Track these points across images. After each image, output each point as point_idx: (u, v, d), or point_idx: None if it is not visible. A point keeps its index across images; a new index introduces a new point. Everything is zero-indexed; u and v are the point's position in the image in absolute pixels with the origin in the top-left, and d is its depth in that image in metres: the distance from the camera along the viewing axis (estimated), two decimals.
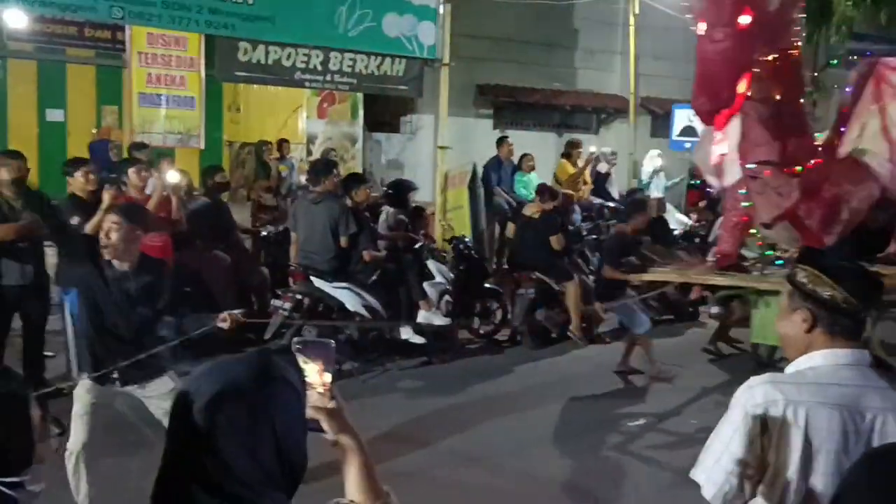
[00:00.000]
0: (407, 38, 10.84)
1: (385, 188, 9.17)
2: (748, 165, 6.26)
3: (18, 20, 9.95)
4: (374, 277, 7.42)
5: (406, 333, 7.51)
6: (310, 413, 1.56)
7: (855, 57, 17.07)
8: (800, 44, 6.46)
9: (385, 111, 13.95)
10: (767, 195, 6.28)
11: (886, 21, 14.65)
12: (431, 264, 7.98)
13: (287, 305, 6.89)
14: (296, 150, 13.36)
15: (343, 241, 7.08)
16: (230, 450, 1.40)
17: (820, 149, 6.61)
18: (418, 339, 7.54)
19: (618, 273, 7.32)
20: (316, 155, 12.85)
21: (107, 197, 5.99)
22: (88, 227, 5.88)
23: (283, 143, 12.27)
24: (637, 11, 13.95)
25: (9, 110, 11.87)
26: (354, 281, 7.14)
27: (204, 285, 7.54)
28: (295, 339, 1.62)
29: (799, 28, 6.45)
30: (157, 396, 4.23)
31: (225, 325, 4.19)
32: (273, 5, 9.41)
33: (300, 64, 11.20)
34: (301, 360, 1.59)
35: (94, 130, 12.25)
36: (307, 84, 11.78)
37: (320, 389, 1.59)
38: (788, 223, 6.45)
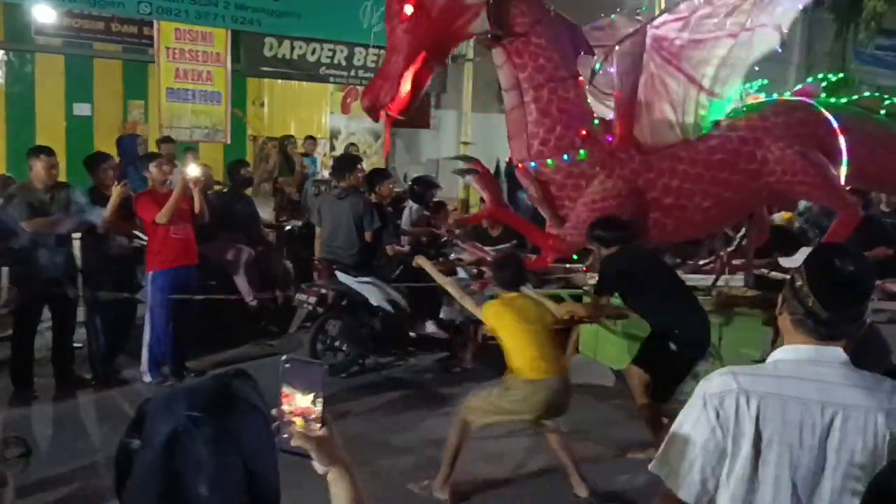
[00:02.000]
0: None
1: (409, 184, 9.19)
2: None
3: (46, 15, 10.06)
4: (397, 272, 7.45)
5: (430, 328, 7.55)
6: (298, 442, 1.46)
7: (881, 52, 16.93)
8: (543, 30, 5.78)
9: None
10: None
11: None
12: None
13: (311, 299, 6.93)
14: (319, 144, 13.42)
15: (367, 235, 7.12)
16: (193, 485, 1.29)
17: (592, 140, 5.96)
18: (441, 334, 7.57)
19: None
20: (339, 150, 12.90)
21: (115, 193, 6.22)
22: (106, 214, 6.20)
23: (309, 140, 12.34)
24: (664, 6, 13.86)
25: (37, 105, 12.00)
26: (378, 275, 7.18)
27: (228, 278, 7.61)
28: (283, 358, 1.50)
29: (543, 16, 5.83)
30: None
31: None
32: (299, 1, 9.44)
33: (325, 59, 11.27)
34: (290, 383, 1.48)
35: (124, 124, 12.35)
36: (331, 79, 11.84)
37: (310, 416, 1.48)
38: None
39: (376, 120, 5.87)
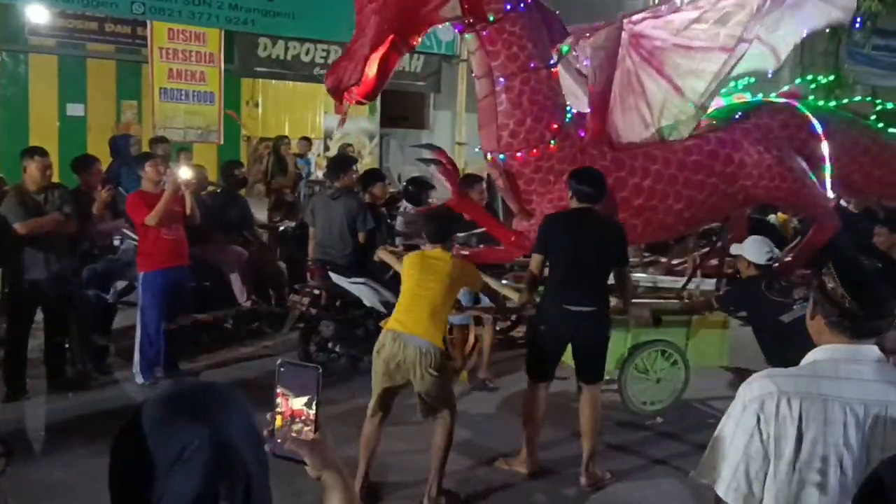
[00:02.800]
0: (425, 35, 10.84)
1: (404, 184, 9.19)
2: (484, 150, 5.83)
3: (40, 16, 10.05)
4: (390, 273, 7.43)
5: None
6: (291, 446, 1.45)
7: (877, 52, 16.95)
8: (517, 17, 5.51)
9: (403, 107, 13.97)
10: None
11: None
12: None
13: (305, 300, 6.92)
14: (313, 145, 13.41)
15: (361, 236, 7.10)
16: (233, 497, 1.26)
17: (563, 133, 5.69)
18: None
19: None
20: (333, 151, 12.89)
21: (99, 200, 6.49)
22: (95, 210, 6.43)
23: (303, 140, 12.33)
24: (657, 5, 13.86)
25: (30, 105, 11.98)
26: (371, 276, 7.16)
27: (222, 279, 7.60)
28: (279, 362, 1.48)
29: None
30: None
31: None
32: (293, 2, 9.45)
33: (319, 59, 11.27)
34: (284, 387, 1.47)
35: (117, 124, 12.34)
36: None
37: (305, 420, 1.47)
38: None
39: (340, 102, 5.50)
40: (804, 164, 5.99)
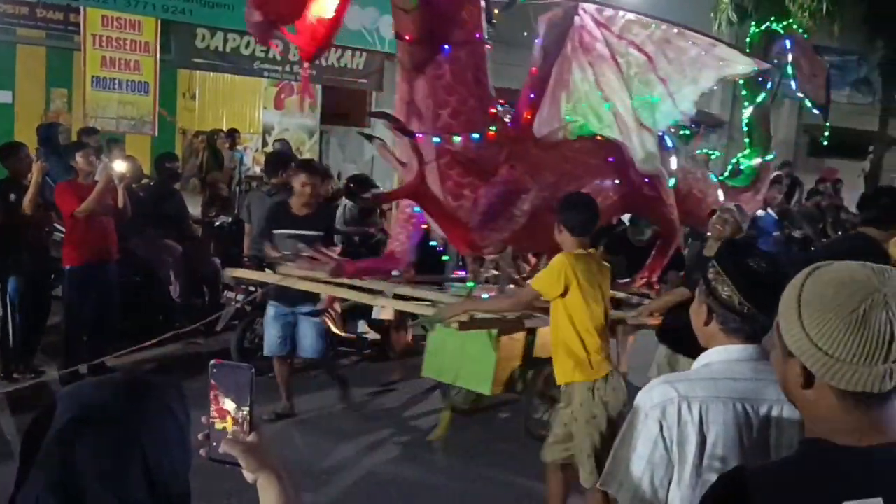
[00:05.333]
0: (368, 32, 10.78)
1: (346, 182, 9.08)
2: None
3: None
4: None
5: (361, 328, 7.46)
6: (225, 448, 1.41)
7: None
8: None
9: (343, 104, 13.84)
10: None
11: (839, 32, 14.96)
12: None
13: (239, 297, 6.78)
14: (251, 140, 13.18)
15: None
16: (90, 484, 1.25)
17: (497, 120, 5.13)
18: (373, 335, 7.49)
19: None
20: (272, 147, 12.70)
21: (36, 169, 6.13)
22: (25, 202, 6.06)
23: (233, 133, 12.08)
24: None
25: None
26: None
27: (154, 274, 7.39)
28: (211, 363, 1.45)
29: None
30: None
31: None
32: None
33: (259, 53, 11.07)
34: (218, 388, 1.43)
35: (46, 112, 11.93)
36: (265, 74, 11.65)
37: (239, 421, 1.43)
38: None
39: (264, 43, 4.77)
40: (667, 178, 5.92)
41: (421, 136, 4.88)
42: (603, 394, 4.14)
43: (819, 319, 1.31)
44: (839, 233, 11.07)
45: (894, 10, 14.75)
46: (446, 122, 4.88)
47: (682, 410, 1.93)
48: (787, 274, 2.02)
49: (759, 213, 10.89)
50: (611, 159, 5.56)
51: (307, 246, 5.43)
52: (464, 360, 5.33)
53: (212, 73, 12.37)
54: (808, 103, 7.26)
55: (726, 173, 7.21)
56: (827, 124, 7.46)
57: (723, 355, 2.03)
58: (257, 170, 11.15)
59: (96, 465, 1.26)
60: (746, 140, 7.29)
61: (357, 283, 5.31)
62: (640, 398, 2.02)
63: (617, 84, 5.42)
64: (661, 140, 5.88)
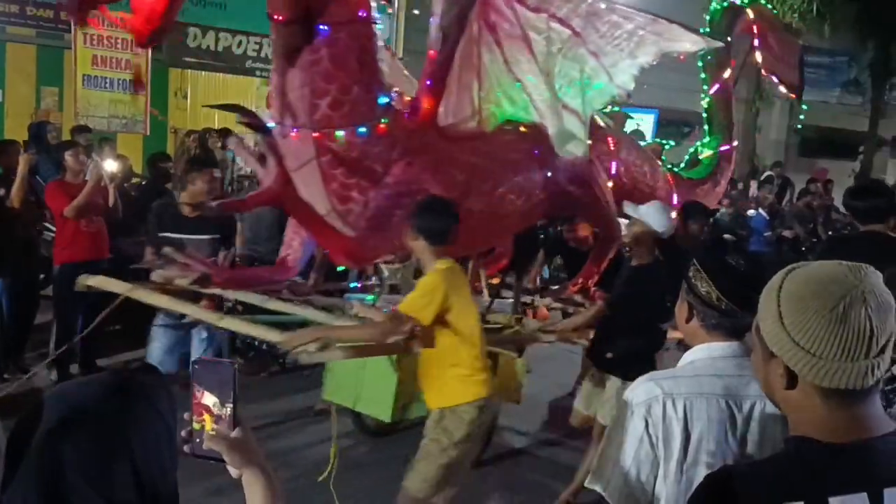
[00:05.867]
0: None
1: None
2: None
3: None
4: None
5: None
6: (210, 444, 1.42)
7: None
8: None
9: None
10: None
11: (830, 33, 15.03)
12: None
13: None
14: (242, 139, 13.14)
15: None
16: (76, 485, 1.25)
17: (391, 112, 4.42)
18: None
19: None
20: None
21: (22, 161, 6.13)
22: (12, 194, 6.04)
23: (225, 132, 12.03)
24: None
25: None
26: (302, 274, 7.04)
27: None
28: (193, 360, 1.48)
29: None
30: None
31: None
32: None
33: (251, 52, 11.08)
34: (198, 383, 1.44)
35: (36, 111, 11.89)
36: (258, 73, 11.64)
37: (223, 418, 1.43)
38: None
39: (81, 22, 4.18)
40: (605, 178, 5.48)
41: (295, 131, 4.23)
42: (486, 417, 3.87)
43: (800, 318, 1.33)
44: (830, 233, 11.13)
45: (884, 11, 14.82)
46: (325, 115, 4.19)
47: (667, 407, 1.96)
48: (766, 271, 2.07)
49: (750, 212, 10.99)
50: (536, 152, 4.98)
51: (196, 251, 4.84)
52: (364, 382, 4.82)
53: (203, 73, 12.36)
54: (781, 87, 6.81)
55: (682, 164, 6.74)
56: (804, 106, 7.31)
57: (706, 352, 2.06)
58: (247, 169, 11.12)
59: (84, 466, 1.26)
60: (706, 127, 6.74)
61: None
62: (627, 396, 2.05)
63: (531, 64, 4.77)
64: (607, 139, 5.52)
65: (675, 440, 1.95)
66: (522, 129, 4.95)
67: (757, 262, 2.09)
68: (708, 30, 6.03)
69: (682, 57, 5.10)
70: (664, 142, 6.86)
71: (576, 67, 4.89)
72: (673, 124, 16.15)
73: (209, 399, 1.43)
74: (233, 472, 1.44)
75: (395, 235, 4.18)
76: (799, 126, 6.69)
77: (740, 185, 14.14)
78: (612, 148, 5.62)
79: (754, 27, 6.43)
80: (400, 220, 4.16)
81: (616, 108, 6.09)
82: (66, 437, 1.27)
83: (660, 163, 6.20)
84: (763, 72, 6.81)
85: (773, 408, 1.89)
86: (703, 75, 6.51)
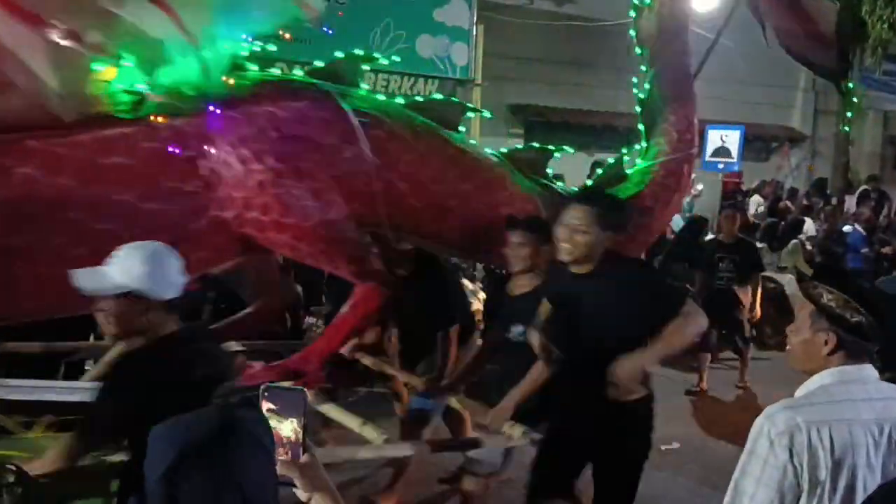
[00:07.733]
0: (440, 59, 10.96)
1: None
2: None
3: None
4: None
5: None
6: (281, 469, 1.47)
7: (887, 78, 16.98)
8: None
9: None
10: None
11: None
12: None
13: (321, 323, 6.89)
14: None
15: None
16: None
17: None
18: None
19: None
20: None
21: None
22: None
23: None
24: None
25: None
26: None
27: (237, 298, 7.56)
28: (263, 387, 1.51)
29: None
30: None
31: None
32: (308, 27, 9.53)
33: None
34: (270, 410, 1.49)
35: None
36: None
37: (293, 443, 1.49)
38: None
39: None
40: (332, 187, 3.71)
41: None
42: None
43: None
44: None
45: None
46: None
47: (812, 436, 1.91)
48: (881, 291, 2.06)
49: (846, 228, 10.58)
50: (175, 149, 3.38)
51: None
52: None
53: None
54: (816, 70, 5.49)
55: (589, 181, 5.21)
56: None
57: (837, 377, 2.01)
58: None
59: (198, 501, 1.32)
60: (640, 127, 5.10)
61: None
62: (762, 425, 1.98)
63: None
64: (347, 124, 3.81)
65: (822, 469, 1.90)
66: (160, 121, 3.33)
67: (867, 285, 2.10)
68: None
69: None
70: (549, 147, 4.79)
71: None
72: (760, 139, 15.79)
73: (279, 424, 1.49)
74: (302, 496, 1.49)
75: None
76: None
77: (834, 200, 13.68)
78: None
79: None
80: None
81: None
82: (184, 477, 1.32)
83: (513, 175, 4.47)
84: (792, 55, 5.22)
85: None
86: (638, 49, 5.03)
